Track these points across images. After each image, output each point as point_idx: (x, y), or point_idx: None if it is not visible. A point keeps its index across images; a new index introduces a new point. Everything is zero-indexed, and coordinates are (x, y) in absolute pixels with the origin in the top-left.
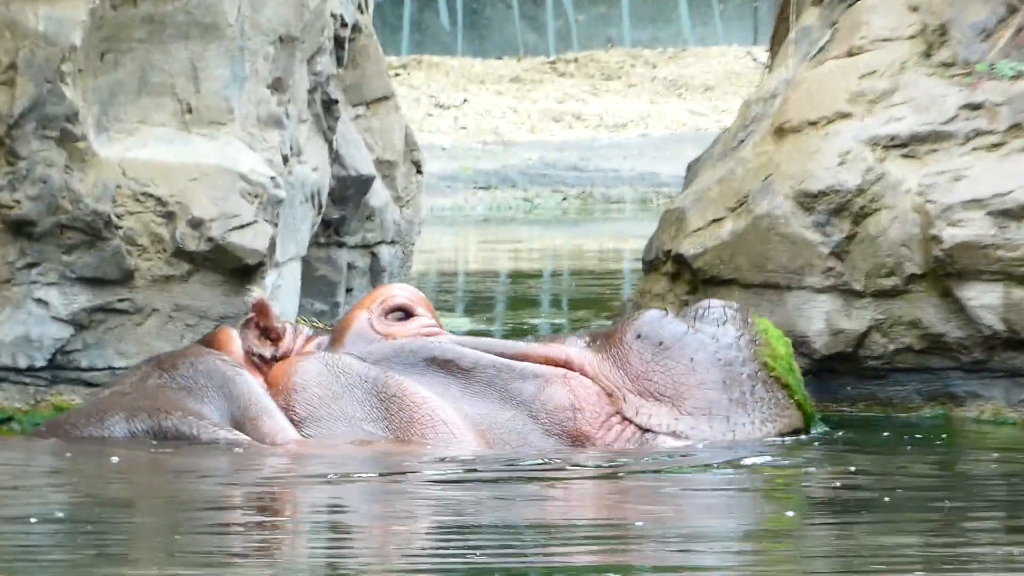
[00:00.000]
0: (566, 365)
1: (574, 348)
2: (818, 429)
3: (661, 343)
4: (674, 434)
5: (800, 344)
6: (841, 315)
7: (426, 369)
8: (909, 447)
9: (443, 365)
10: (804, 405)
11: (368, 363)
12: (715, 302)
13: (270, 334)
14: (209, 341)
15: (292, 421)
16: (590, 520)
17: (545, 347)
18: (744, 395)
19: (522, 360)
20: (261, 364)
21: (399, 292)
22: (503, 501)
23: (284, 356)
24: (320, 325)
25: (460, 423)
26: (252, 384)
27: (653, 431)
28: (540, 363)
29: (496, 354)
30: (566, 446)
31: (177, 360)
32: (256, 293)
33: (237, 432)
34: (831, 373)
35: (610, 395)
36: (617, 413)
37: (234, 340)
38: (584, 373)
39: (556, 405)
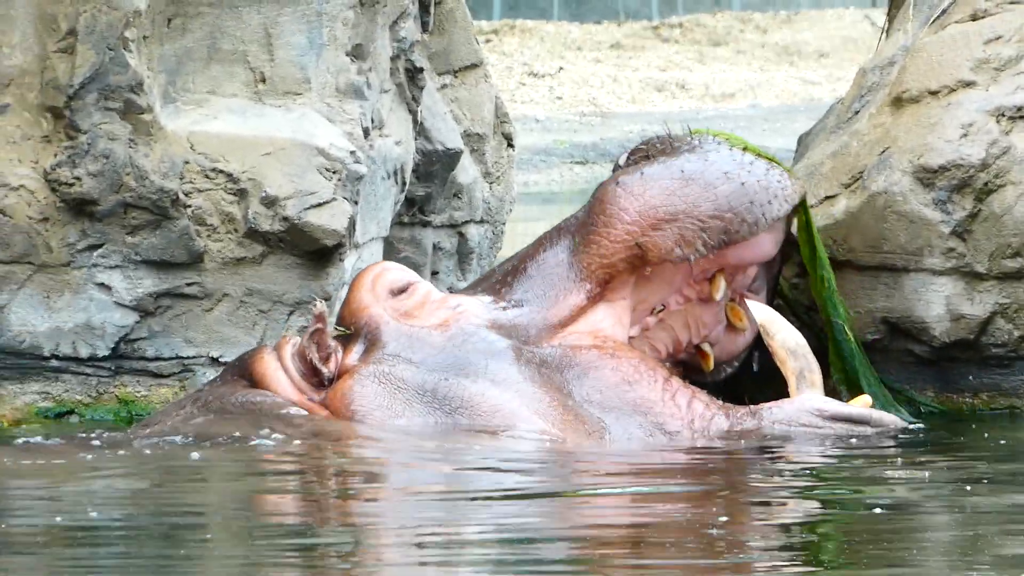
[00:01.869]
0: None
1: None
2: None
3: (643, 172)
4: (711, 250)
5: (918, 331)
6: (963, 299)
7: (478, 362)
8: None
9: (493, 357)
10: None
11: (418, 368)
12: (652, 139)
13: (320, 352)
14: (248, 372)
15: None
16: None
17: (574, 298)
18: (751, 174)
19: (564, 325)
20: (312, 390)
21: (382, 269)
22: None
23: (338, 374)
24: (341, 330)
25: (539, 423)
26: None
27: (686, 258)
28: (578, 318)
29: (534, 332)
30: (641, 416)
31: (224, 399)
32: (318, 305)
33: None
34: (951, 362)
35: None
36: (669, 372)
37: (274, 372)
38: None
39: (607, 384)
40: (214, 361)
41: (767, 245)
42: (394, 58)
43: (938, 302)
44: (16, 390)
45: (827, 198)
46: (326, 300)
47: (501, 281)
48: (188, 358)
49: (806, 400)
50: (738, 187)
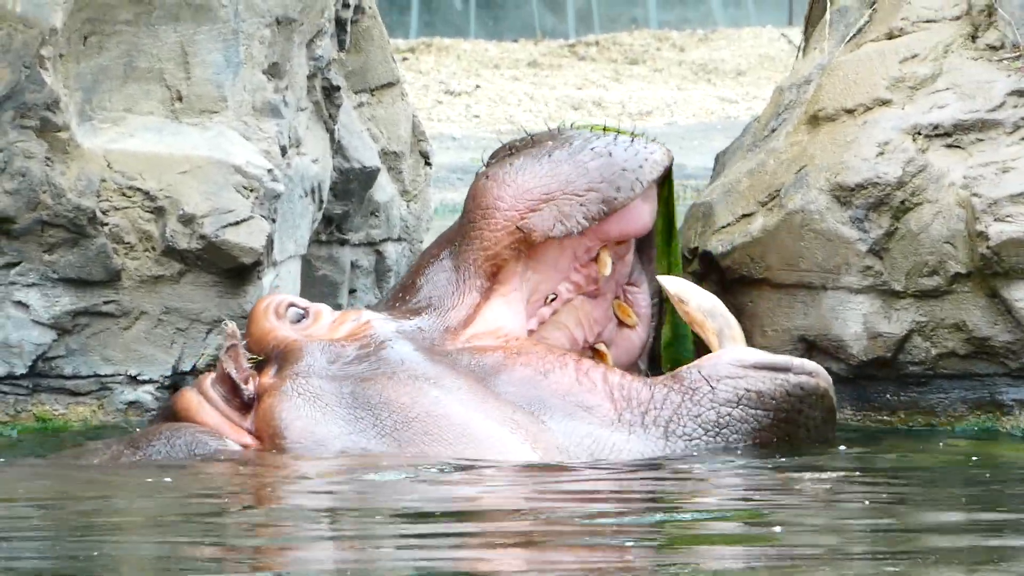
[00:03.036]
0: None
1: (500, 304)
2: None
3: (511, 164)
4: (591, 221)
5: (836, 349)
6: (880, 317)
7: (394, 362)
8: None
9: (407, 357)
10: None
11: (334, 375)
12: (513, 140)
13: (239, 370)
14: (174, 413)
15: None
16: None
17: (468, 298)
18: (618, 146)
19: (465, 326)
20: (238, 416)
21: (276, 297)
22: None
23: (257, 395)
24: (253, 358)
25: (461, 411)
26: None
27: (567, 231)
28: (475, 317)
29: (437, 336)
30: (559, 399)
31: (151, 437)
32: (230, 325)
33: None
34: (869, 380)
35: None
36: (577, 355)
37: (198, 404)
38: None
39: (520, 378)
40: (132, 379)
41: (645, 215)
42: (311, 76)
43: (855, 320)
44: None
45: (744, 216)
46: (244, 318)
47: (396, 298)
48: (106, 376)
49: (725, 353)
50: (607, 159)
